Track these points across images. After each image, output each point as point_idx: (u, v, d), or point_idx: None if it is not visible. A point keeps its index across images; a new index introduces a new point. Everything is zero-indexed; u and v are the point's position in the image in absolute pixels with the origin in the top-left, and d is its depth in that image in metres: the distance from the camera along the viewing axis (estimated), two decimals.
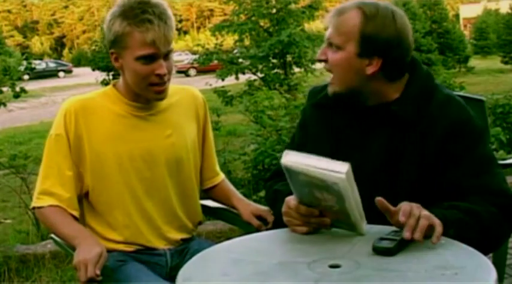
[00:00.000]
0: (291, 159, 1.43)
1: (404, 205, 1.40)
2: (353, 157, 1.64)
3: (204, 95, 2.10)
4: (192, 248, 1.96)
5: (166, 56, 1.81)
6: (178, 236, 1.98)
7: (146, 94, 1.86)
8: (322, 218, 1.51)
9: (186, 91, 2.04)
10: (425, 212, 1.38)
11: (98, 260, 1.64)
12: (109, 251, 1.75)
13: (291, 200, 1.54)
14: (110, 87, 1.94)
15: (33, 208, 1.90)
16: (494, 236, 1.54)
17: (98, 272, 1.63)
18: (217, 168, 2.17)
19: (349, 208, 1.41)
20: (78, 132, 1.84)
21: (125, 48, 1.79)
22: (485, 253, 1.47)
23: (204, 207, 2.12)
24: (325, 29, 1.70)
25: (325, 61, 1.68)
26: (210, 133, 2.11)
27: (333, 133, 1.72)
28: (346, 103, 1.71)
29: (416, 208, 1.39)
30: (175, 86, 1.99)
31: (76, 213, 1.85)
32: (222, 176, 2.18)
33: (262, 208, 2.01)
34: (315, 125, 1.79)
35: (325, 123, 1.75)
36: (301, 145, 1.76)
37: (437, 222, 1.37)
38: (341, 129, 1.71)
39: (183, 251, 1.98)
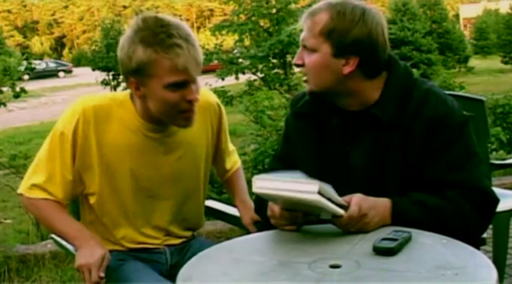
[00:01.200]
0: (262, 185, 1.44)
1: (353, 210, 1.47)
2: (338, 166, 1.65)
3: None
4: (192, 247, 1.96)
5: (195, 79, 1.70)
6: (176, 241, 1.97)
7: (174, 122, 1.77)
8: (307, 216, 1.54)
9: (201, 98, 1.86)
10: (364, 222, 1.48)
11: (101, 264, 1.64)
12: (109, 250, 1.74)
13: (274, 207, 1.55)
14: (127, 98, 1.82)
15: (21, 194, 1.82)
16: (459, 232, 1.49)
17: (102, 275, 1.63)
18: (228, 165, 2.12)
19: (329, 208, 1.44)
20: (88, 139, 1.77)
21: (151, 76, 1.66)
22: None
23: (204, 207, 2.11)
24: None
25: (302, 65, 1.66)
26: (224, 136, 2.03)
27: (316, 142, 1.70)
28: (327, 110, 1.68)
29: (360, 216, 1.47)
30: None
31: None
32: (232, 171, 2.14)
33: None
34: (298, 136, 1.76)
35: (308, 133, 1.71)
36: (285, 158, 1.78)
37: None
38: (324, 137, 1.69)
39: (183, 250, 1.97)
